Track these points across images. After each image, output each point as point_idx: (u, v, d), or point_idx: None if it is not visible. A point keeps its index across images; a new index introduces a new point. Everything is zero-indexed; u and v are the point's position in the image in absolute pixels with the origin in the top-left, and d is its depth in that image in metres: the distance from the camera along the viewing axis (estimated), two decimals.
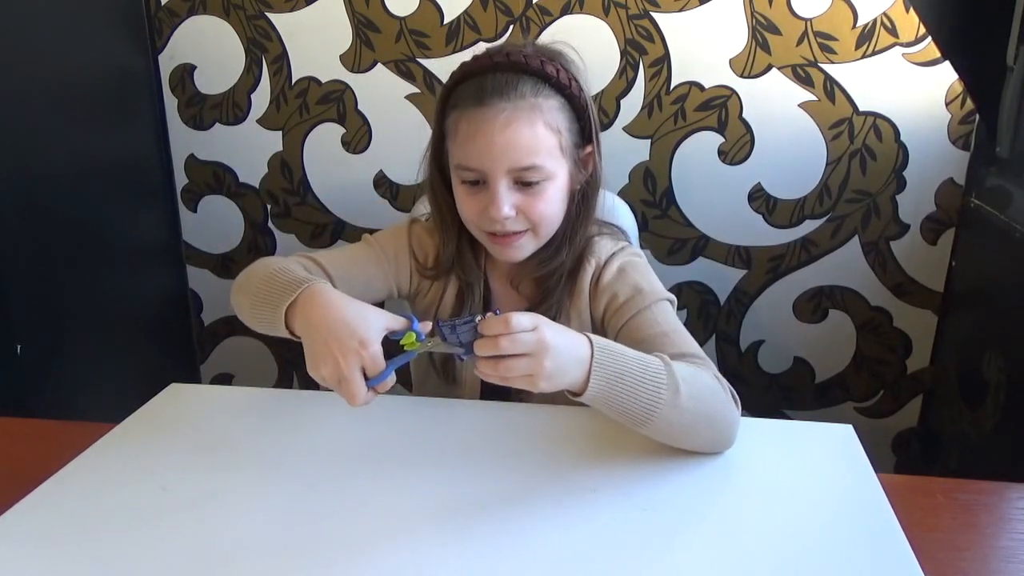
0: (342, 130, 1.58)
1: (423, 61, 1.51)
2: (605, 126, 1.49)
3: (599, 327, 0.99)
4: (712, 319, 1.62)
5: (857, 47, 1.41)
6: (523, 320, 0.73)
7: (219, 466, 0.83)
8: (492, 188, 0.90)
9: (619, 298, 0.96)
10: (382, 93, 1.54)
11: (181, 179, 1.67)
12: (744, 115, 1.47)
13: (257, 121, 1.60)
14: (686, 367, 0.82)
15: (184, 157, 1.65)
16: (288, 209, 1.66)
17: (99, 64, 1.49)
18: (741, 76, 1.45)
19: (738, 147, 1.49)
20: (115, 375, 1.53)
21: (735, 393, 0.84)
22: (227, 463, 0.83)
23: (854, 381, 1.62)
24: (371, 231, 1.07)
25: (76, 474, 0.82)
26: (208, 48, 1.57)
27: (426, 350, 0.78)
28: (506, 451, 0.86)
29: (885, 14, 1.38)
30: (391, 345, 0.78)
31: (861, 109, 1.44)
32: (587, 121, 0.94)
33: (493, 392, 0.97)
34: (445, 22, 1.49)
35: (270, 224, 1.68)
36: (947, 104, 1.42)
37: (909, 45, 1.40)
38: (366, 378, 0.76)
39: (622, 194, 1.48)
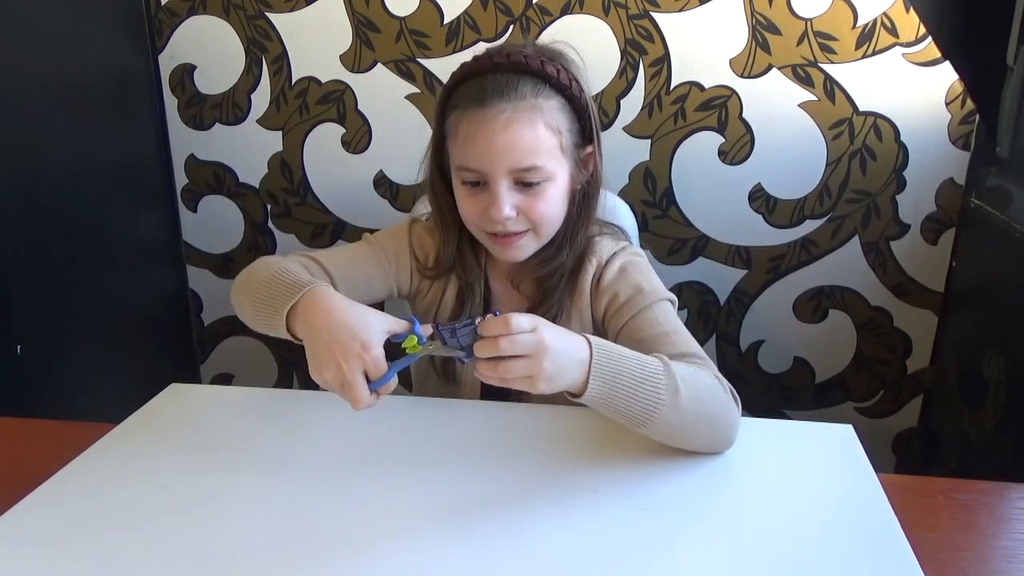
0: (342, 130, 1.58)
1: (423, 61, 1.51)
2: (605, 126, 1.49)
3: (600, 327, 0.99)
4: (712, 319, 1.62)
5: (857, 47, 1.41)
6: (522, 321, 0.73)
7: (219, 466, 0.83)
8: (493, 189, 0.90)
9: (620, 298, 0.96)
10: (382, 93, 1.54)
11: (181, 179, 1.67)
12: (744, 115, 1.47)
13: (257, 121, 1.60)
14: (686, 367, 0.82)
15: (184, 157, 1.65)
16: (288, 209, 1.66)
17: (99, 64, 1.49)
18: (741, 76, 1.45)
19: (738, 147, 1.49)
20: (115, 375, 1.52)
21: (735, 393, 0.84)
22: (227, 463, 0.83)
23: (854, 381, 1.62)
24: (371, 231, 1.07)
25: (76, 474, 0.82)
26: (208, 48, 1.57)
27: (427, 353, 0.78)
28: (506, 451, 0.86)
29: (885, 14, 1.38)
30: (392, 348, 0.79)
31: (861, 109, 1.44)
32: (588, 121, 0.94)
33: (493, 392, 0.97)
34: (445, 22, 1.49)
35: (270, 224, 1.68)
36: (947, 104, 1.42)
37: (909, 45, 1.40)
38: (368, 381, 0.76)
39: (622, 194, 1.48)
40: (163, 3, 1.55)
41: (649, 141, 1.51)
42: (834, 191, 1.50)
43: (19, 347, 1.28)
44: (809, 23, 1.41)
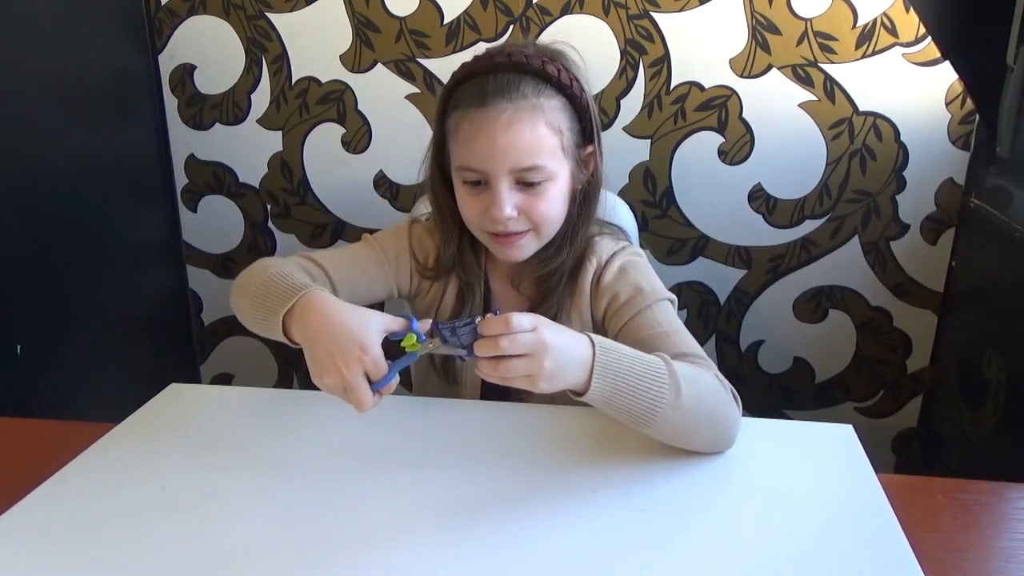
0: (342, 130, 1.58)
1: (423, 61, 1.51)
2: (605, 126, 1.49)
3: (600, 327, 0.99)
4: (712, 319, 1.62)
5: (857, 47, 1.41)
6: (523, 320, 0.73)
7: (219, 466, 0.83)
8: (494, 188, 0.90)
9: (620, 298, 0.96)
10: (382, 93, 1.54)
11: (181, 179, 1.67)
12: (744, 115, 1.47)
13: (257, 121, 1.60)
14: (687, 367, 0.82)
15: (184, 157, 1.65)
16: (288, 209, 1.66)
17: (99, 64, 1.49)
18: (741, 76, 1.45)
19: (738, 147, 1.49)
20: (115, 375, 1.53)
21: (736, 393, 0.84)
22: (227, 463, 0.83)
23: (854, 381, 1.62)
24: (371, 231, 1.07)
25: (76, 474, 0.82)
26: (208, 48, 1.57)
27: (428, 351, 0.78)
28: (506, 451, 0.86)
29: (885, 14, 1.38)
30: (391, 346, 0.78)
31: (861, 109, 1.44)
32: (588, 121, 0.94)
33: (493, 392, 0.97)
34: (445, 22, 1.49)
35: (270, 224, 1.68)
36: (947, 104, 1.42)
37: (909, 45, 1.40)
38: (370, 382, 0.76)
39: (622, 194, 1.48)
40: (163, 3, 1.55)
41: (649, 141, 1.51)
42: (834, 191, 1.50)
43: (19, 347, 1.28)
44: (809, 23, 1.41)
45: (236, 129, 1.61)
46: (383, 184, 1.60)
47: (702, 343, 1.10)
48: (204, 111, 1.61)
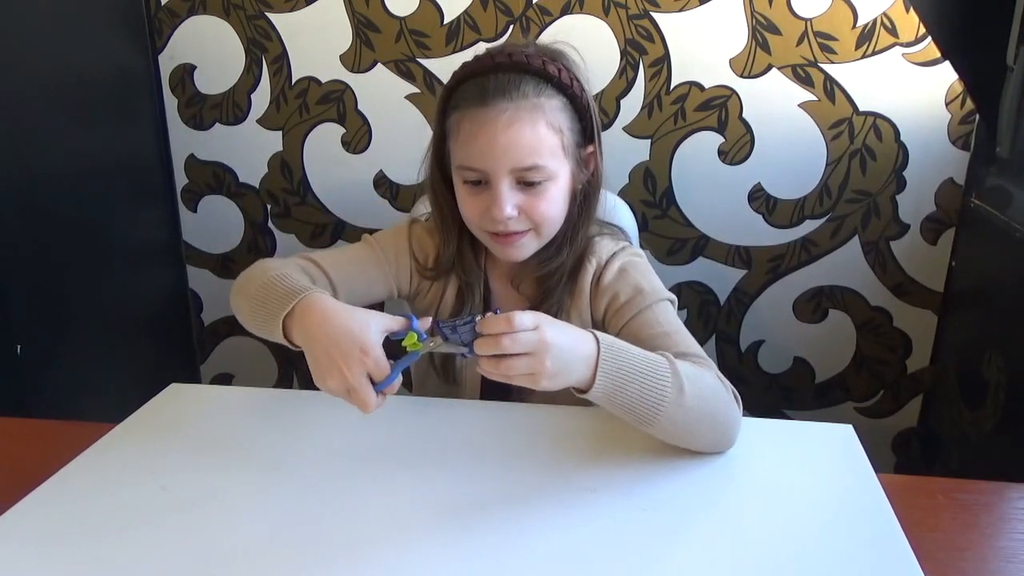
0: (342, 130, 1.58)
1: (423, 61, 1.51)
2: (605, 126, 1.49)
3: (600, 327, 0.98)
4: (712, 319, 1.62)
5: (857, 47, 1.41)
6: (525, 319, 0.73)
7: (219, 466, 0.83)
8: (494, 188, 0.90)
9: (620, 298, 0.96)
10: (382, 93, 1.54)
11: (181, 179, 1.67)
12: (744, 115, 1.47)
13: (257, 121, 1.60)
14: (690, 366, 0.82)
15: (184, 157, 1.65)
16: (288, 209, 1.66)
17: (99, 64, 1.49)
18: (741, 76, 1.45)
19: (738, 147, 1.49)
20: (115, 375, 1.53)
21: (737, 393, 0.84)
22: (227, 463, 0.83)
23: (854, 381, 1.62)
24: (371, 231, 1.07)
25: (76, 474, 0.82)
26: (208, 48, 1.57)
27: (429, 350, 0.78)
28: (506, 451, 0.86)
29: (885, 14, 1.38)
30: (392, 346, 0.78)
31: (861, 109, 1.44)
32: (589, 121, 0.94)
33: (493, 392, 0.97)
34: (445, 22, 1.49)
35: (270, 224, 1.68)
36: (947, 104, 1.42)
37: (909, 45, 1.40)
38: (373, 383, 0.76)
39: (622, 194, 1.48)
40: (163, 3, 1.55)
41: (649, 141, 1.51)
42: (834, 191, 1.50)
43: (19, 347, 1.28)
44: (809, 23, 1.41)
45: (236, 129, 1.61)
46: (383, 184, 1.60)
47: (702, 343, 1.10)
48: (204, 111, 1.61)
